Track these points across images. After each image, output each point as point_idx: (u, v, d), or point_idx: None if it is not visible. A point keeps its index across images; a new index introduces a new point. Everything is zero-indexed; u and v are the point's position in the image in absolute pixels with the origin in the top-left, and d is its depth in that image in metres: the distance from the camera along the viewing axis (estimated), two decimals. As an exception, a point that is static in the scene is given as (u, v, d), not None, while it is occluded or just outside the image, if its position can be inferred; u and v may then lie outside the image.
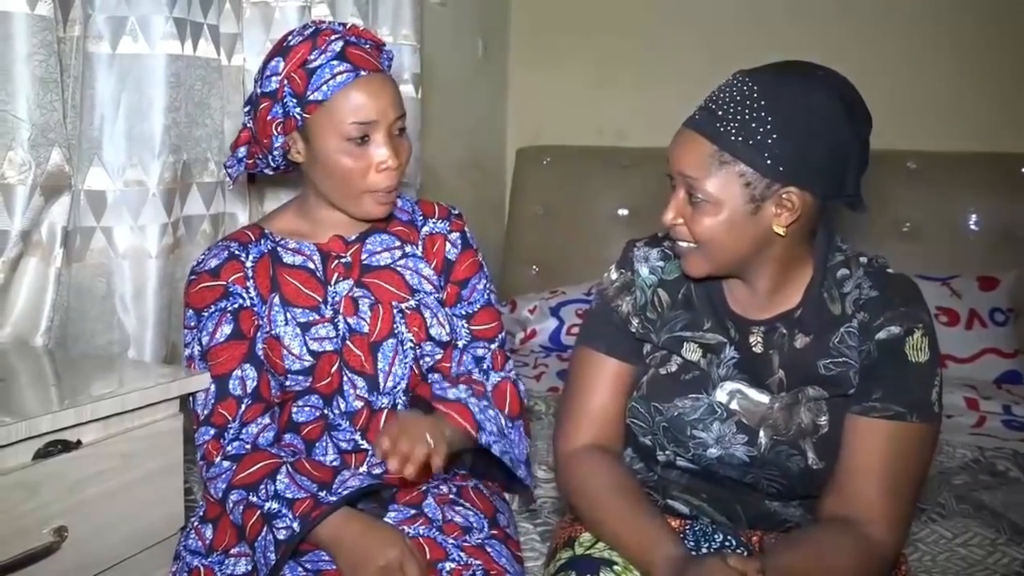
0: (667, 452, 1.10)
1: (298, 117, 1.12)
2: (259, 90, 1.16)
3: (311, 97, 1.11)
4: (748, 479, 1.07)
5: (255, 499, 1.07)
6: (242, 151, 1.22)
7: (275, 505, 1.05)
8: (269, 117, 1.14)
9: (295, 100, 1.12)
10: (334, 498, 1.05)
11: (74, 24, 1.32)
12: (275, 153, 1.17)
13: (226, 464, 1.12)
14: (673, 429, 1.08)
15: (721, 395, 1.07)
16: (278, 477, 1.08)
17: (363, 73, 1.11)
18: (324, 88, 1.10)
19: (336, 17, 1.70)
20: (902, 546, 1.04)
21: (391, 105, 1.13)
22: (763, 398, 1.06)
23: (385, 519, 1.12)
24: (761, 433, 1.05)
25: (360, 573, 1.00)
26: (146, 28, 1.36)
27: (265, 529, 1.04)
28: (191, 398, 1.15)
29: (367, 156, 1.12)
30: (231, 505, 1.09)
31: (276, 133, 1.15)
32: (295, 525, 1.03)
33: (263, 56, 1.56)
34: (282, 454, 1.13)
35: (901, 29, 2.56)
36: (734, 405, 1.07)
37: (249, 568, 1.07)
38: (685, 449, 1.08)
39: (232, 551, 1.10)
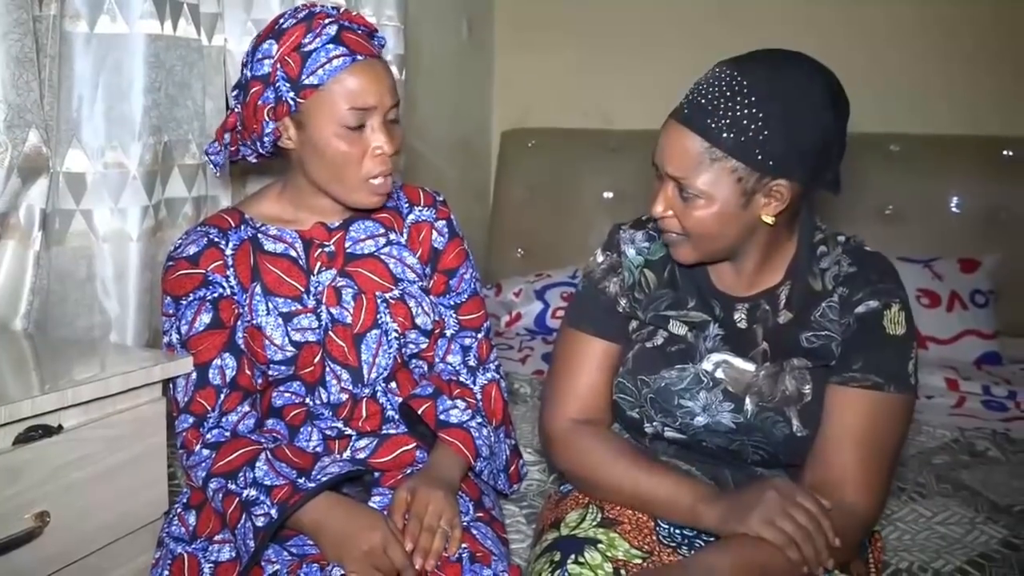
0: (654, 423, 1.13)
1: (291, 102, 1.10)
2: (249, 74, 1.13)
3: (306, 81, 1.09)
4: (734, 446, 1.10)
5: (234, 487, 1.06)
6: (227, 137, 1.20)
7: (253, 492, 1.05)
8: (260, 102, 1.12)
9: (289, 84, 1.09)
10: (312, 484, 1.05)
11: (50, 2, 1.29)
12: (265, 140, 1.14)
13: (206, 452, 1.11)
14: (660, 399, 1.11)
15: (707, 365, 1.10)
16: (257, 464, 1.08)
17: (359, 58, 1.10)
18: (320, 72, 1.08)
19: (318, -3, 1.67)
20: (880, 511, 1.07)
21: (388, 92, 1.12)
22: (748, 366, 1.09)
23: (369, 503, 1.12)
24: (747, 400, 1.07)
25: (344, 557, 1.00)
26: (124, 7, 1.34)
27: (244, 516, 1.04)
28: (171, 384, 1.14)
29: (362, 142, 1.11)
30: (211, 493, 1.09)
31: (267, 119, 1.12)
32: (273, 511, 1.02)
33: (245, 36, 1.56)
34: (262, 440, 1.13)
35: (885, 12, 2.56)
36: (719, 374, 1.09)
37: (233, 555, 1.06)
38: (673, 419, 1.11)
39: (216, 537, 1.09)
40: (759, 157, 0.98)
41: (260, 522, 1.02)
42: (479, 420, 1.21)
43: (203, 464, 1.11)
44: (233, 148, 1.21)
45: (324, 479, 1.06)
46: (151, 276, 1.43)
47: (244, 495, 1.05)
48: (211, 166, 1.25)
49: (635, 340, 1.15)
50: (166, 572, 1.07)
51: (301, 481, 1.05)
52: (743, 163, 0.99)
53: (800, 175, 1.01)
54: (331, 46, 1.09)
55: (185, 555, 1.08)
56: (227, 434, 1.13)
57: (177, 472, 1.38)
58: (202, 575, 1.06)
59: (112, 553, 1.07)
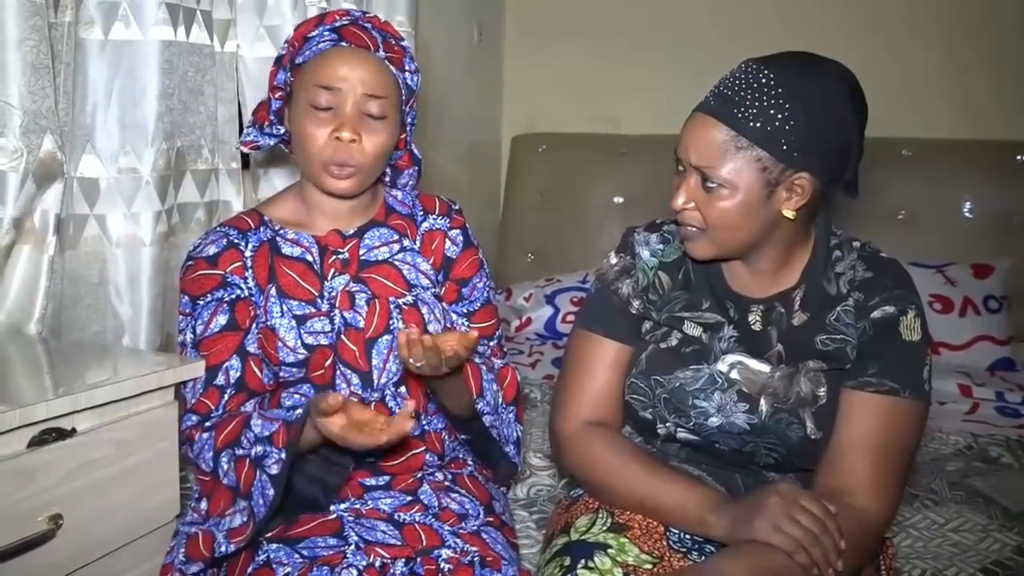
0: (668, 424, 1.13)
1: (288, 83, 1.16)
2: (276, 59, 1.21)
3: (296, 61, 1.15)
4: (747, 448, 1.10)
5: (241, 451, 1.07)
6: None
7: (260, 448, 1.06)
8: (275, 82, 1.19)
9: (289, 65, 1.17)
10: (299, 410, 1.07)
11: (65, 9, 1.31)
12: (273, 118, 1.21)
13: (206, 436, 1.12)
14: (675, 400, 1.11)
15: (722, 366, 1.10)
16: (252, 423, 1.09)
17: (344, 44, 1.13)
18: (307, 52, 1.14)
19: (331, 4, 1.69)
20: (892, 517, 1.06)
21: (362, 81, 1.12)
22: (763, 368, 1.09)
23: (380, 504, 1.13)
24: (762, 401, 1.07)
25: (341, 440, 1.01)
26: (138, 14, 1.35)
27: (258, 471, 1.05)
28: (183, 384, 1.15)
29: (326, 123, 1.12)
30: (224, 468, 1.09)
31: (274, 97, 1.19)
32: (283, 455, 1.03)
33: (257, 43, 1.59)
34: (248, 408, 1.15)
35: (896, 16, 2.56)
36: (734, 375, 1.09)
37: (245, 519, 1.06)
38: (687, 419, 1.11)
39: (228, 512, 1.10)
40: (784, 147, 0.99)
41: (274, 470, 1.03)
42: (491, 376, 1.20)
43: (207, 445, 1.11)
44: (251, 136, 1.25)
45: (304, 402, 1.07)
46: (164, 280, 1.44)
47: (253, 453, 1.06)
48: (265, 141, 1.26)
49: (649, 341, 1.15)
50: (181, 550, 1.08)
51: (289, 415, 1.08)
52: (768, 152, 1.00)
53: (822, 170, 1.02)
54: (327, 33, 1.14)
55: (200, 532, 1.09)
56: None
57: (188, 475, 1.38)
58: (216, 542, 1.06)
59: (125, 555, 1.08)
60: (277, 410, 1.11)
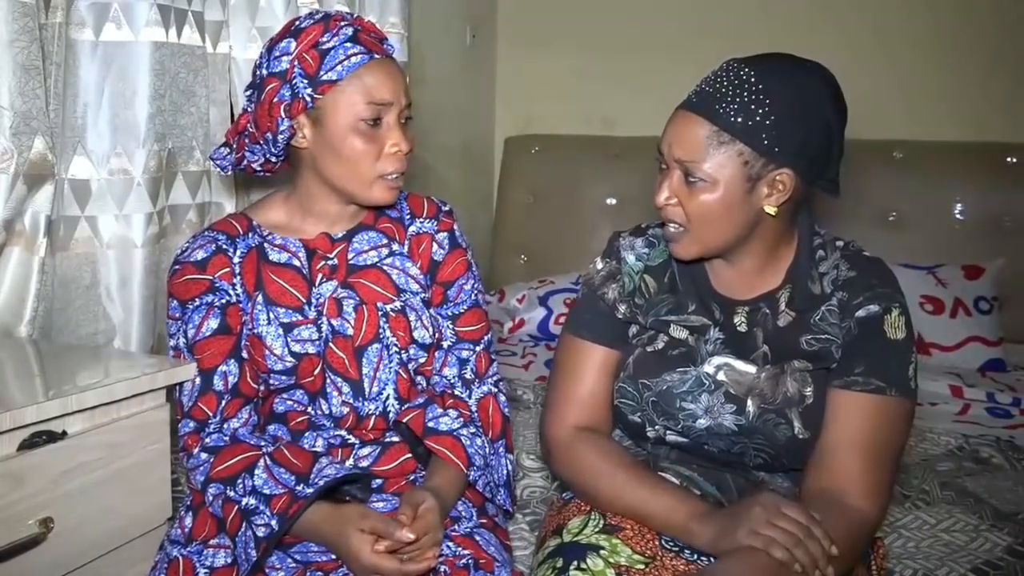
0: (656, 427, 1.13)
1: (308, 98, 1.10)
2: (265, 72, 1.13)
3: (324, 77, 1.10)
4: (736, 449, 1.10)
5: (232, 494, 1.06)
6: (235, 141, 1.19)
7: (252, 501, 1.04)
8: (276, 99, 1.11)
9: (306, 81, 1.10)
10: (310, 490, 1.04)
11: (56, 10, 1.30)
12: (279, 137, 1.13)
13: (204, 456, 1.11)
14: (662, 403, 1.11)
15: (709, 368, 1.11)
16: (256, 472, 1.07)
17: (376, 56, 1.12)
18: (339, 68, 1.09)
19: (323, 5, 1.69)
20: (883, 515, 1.07)
21: (403, 91, 1.14)
22: (750, 369, 1.09)
23: (370, 506, 1.12)
24: (749, 402, 1.08)
25: (346, 564, 1.01)
26: (130, 15, 1.35)
27: (244, 524, 1.04)
28: (178, 387, 1.15)
29: (379, 139, 1.12)
30: (210, 498, 1.09)
31: (283, 116, 1.12)
32: (273, 522, 1.02)
33: (250, 44, 1.58)
34: (261, 444, 1.12)
35: (888, 18, 2.57)
36: (721, 376, 1.10)
37: (228, 561, 1.06)
38: (675, 422, 1.11)
39: (211, 542, 1.09)
40: (765, 142, 1.00)
41: (261, 532, 1.02)
42: (472, 430, 1.18)
43: (201, 468, 1.11)
44: (239, 155, 1.20)
45: (321, 483, 1.05)
46: (155, 282, 1.44)
47: (243, 503, 1.05)
48: (218, 170, 1.25)
49: (636, 345, 1.16)
50: (162, 575, 1.07)
51: (299, 488, 1.05)
52: (750, 147, 1.01)
53: (803, 166, 1.03)
54: (349, 44, 1.10)
55: (180, 558, 1.08)
56: (226, 439, 1.13)
57: (180, 478, 1.38)
58: None
59: (116, 559, 1.08)
60: (286, 473, 1.07)
